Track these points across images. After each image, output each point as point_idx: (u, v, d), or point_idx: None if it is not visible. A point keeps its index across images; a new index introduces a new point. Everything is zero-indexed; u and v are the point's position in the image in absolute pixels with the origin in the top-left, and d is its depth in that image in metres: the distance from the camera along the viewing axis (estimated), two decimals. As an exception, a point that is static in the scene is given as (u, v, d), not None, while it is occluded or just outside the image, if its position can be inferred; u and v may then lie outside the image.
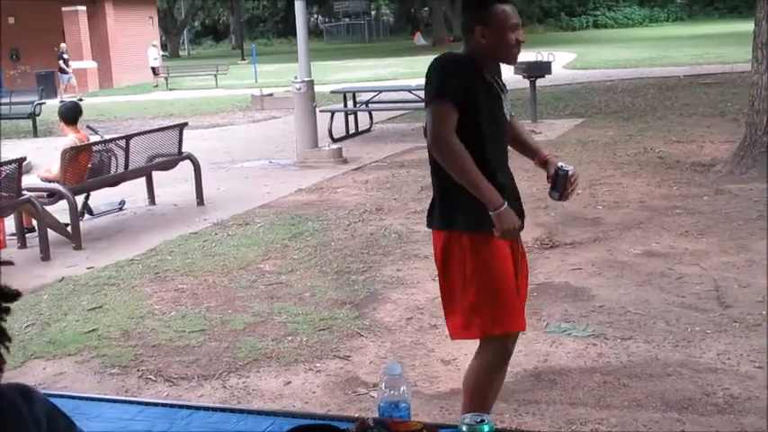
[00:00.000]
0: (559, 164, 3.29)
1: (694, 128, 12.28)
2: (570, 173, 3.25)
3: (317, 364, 4.64)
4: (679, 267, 5.93)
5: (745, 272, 5.72)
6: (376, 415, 1.83)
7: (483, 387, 3.22)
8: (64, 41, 30.02)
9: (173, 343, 5.09)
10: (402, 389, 1.82)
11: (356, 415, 3.71)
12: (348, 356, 4.73)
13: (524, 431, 2.96)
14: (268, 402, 4.20)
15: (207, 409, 2.19)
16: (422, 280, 5.94)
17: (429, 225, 3.26)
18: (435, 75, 3.08)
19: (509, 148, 3.40)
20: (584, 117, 14.49)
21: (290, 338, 5.04)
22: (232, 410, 2.15)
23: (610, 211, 7.66)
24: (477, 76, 3.11)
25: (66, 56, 28.63)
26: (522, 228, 3.13)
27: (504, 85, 3.27)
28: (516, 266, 3.22)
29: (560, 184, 3.27)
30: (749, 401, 3.88)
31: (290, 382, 4.44)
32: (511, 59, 3.20)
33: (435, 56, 3.16)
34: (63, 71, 28.42)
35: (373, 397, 4.18)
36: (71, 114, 8.43)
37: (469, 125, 3.04)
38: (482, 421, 1.67)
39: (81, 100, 25.34)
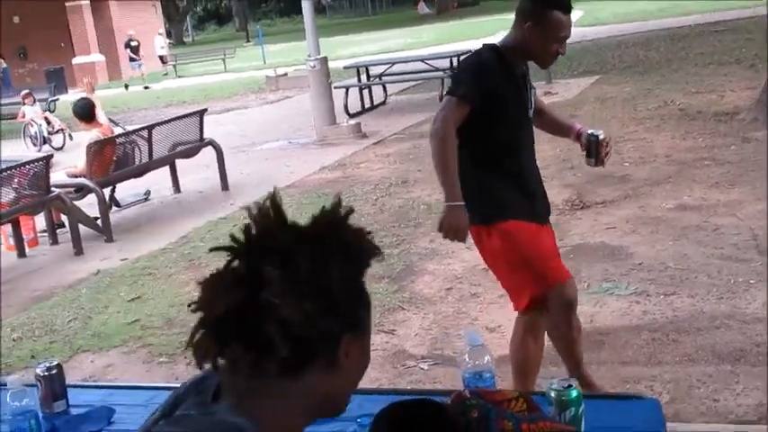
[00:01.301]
0: (589, 131, 3.38)
1: (712, 77, 12.16)
2: (601, 137, 3.35)
3: (363, 340, 4.65)
4: (714, 219, 5.90)
5: (781, 219, 5.69)
6: (459, 386, 1.84)
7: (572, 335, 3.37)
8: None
9: (216, 329, 5.11)
10: (486, 358, 1.82)
11: (409, 387, 3.75)
12: (393, 330, 4.75)
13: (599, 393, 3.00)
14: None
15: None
16: (457, 249, 5.91)
17: None
18: (463, 74, 3.23)
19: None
20: (598, 74, 14.37)
21: (332, 316, 5.05)
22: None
23: (637, 168, 7.62)
24: (503, 72, 3.16)
25: (133, 43, 28.73)
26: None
27: (530, 82, 3.34)
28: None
29: (593, 150, 3.37)
30: (801, 348, 3.87)
31: (338, 360, 4.45)
32: (544, 65, 3.35)
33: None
34: (132, 59, 28.64)
35: (423, 369, 4.21)
36: (85, 112, 8.36)
37: (490, 126, 3.14)
38: (570, 386, 1.68)
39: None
